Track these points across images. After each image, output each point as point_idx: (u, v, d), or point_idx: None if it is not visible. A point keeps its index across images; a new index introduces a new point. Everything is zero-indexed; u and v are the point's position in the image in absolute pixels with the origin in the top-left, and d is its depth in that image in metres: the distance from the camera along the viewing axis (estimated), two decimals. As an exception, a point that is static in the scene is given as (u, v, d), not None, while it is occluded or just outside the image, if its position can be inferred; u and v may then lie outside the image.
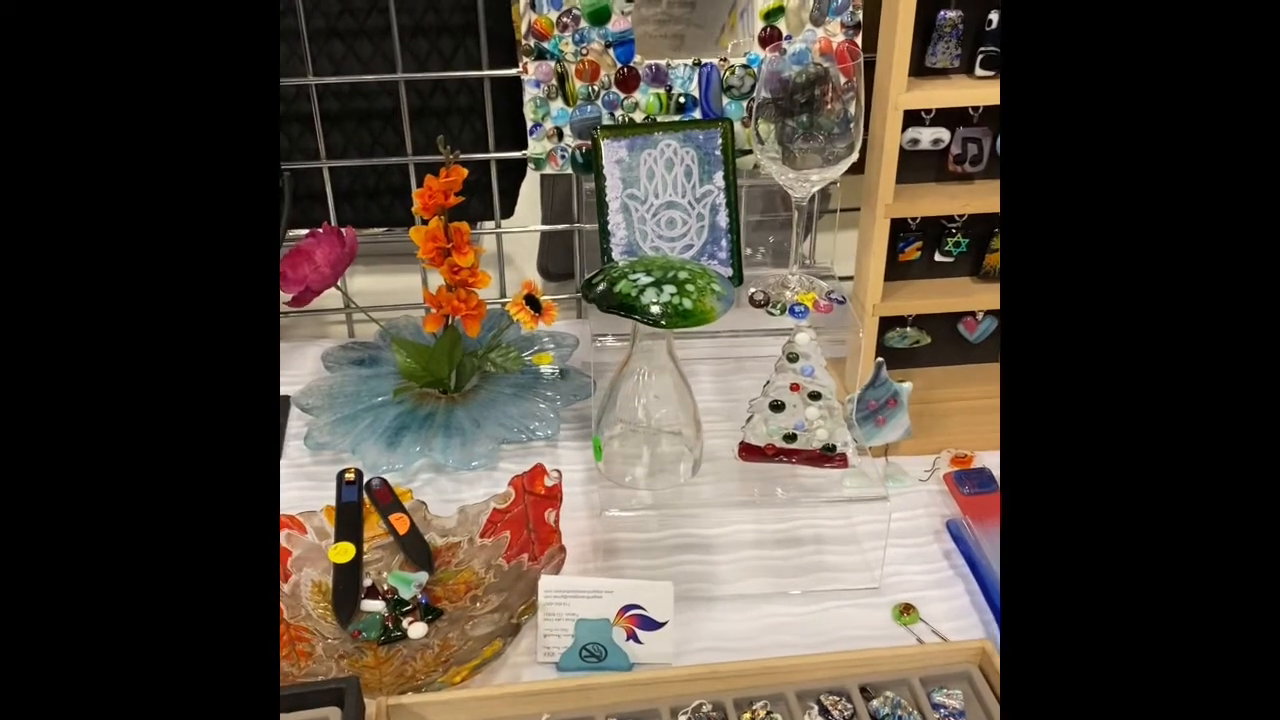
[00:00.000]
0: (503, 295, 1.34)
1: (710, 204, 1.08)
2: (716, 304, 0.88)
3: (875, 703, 0.81)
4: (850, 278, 1.16)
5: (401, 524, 0.98)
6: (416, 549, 0.97)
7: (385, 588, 0.95)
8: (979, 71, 1.02)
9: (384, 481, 1.02)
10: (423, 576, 0.95)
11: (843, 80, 0.91)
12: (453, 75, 1.22)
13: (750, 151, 1.10)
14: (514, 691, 0.82)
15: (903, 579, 0.97)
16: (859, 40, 1.10)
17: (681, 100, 1.11)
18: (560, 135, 1.13)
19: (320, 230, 1.15)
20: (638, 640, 0.88)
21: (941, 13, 1.00)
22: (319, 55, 1.20)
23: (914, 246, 1.11)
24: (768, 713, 0.80)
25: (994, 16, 1.01)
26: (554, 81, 1.10)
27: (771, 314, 0.97)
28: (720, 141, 1.07)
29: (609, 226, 1.08)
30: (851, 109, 0.92)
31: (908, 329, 1.15)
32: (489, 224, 1.31)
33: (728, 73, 1.11)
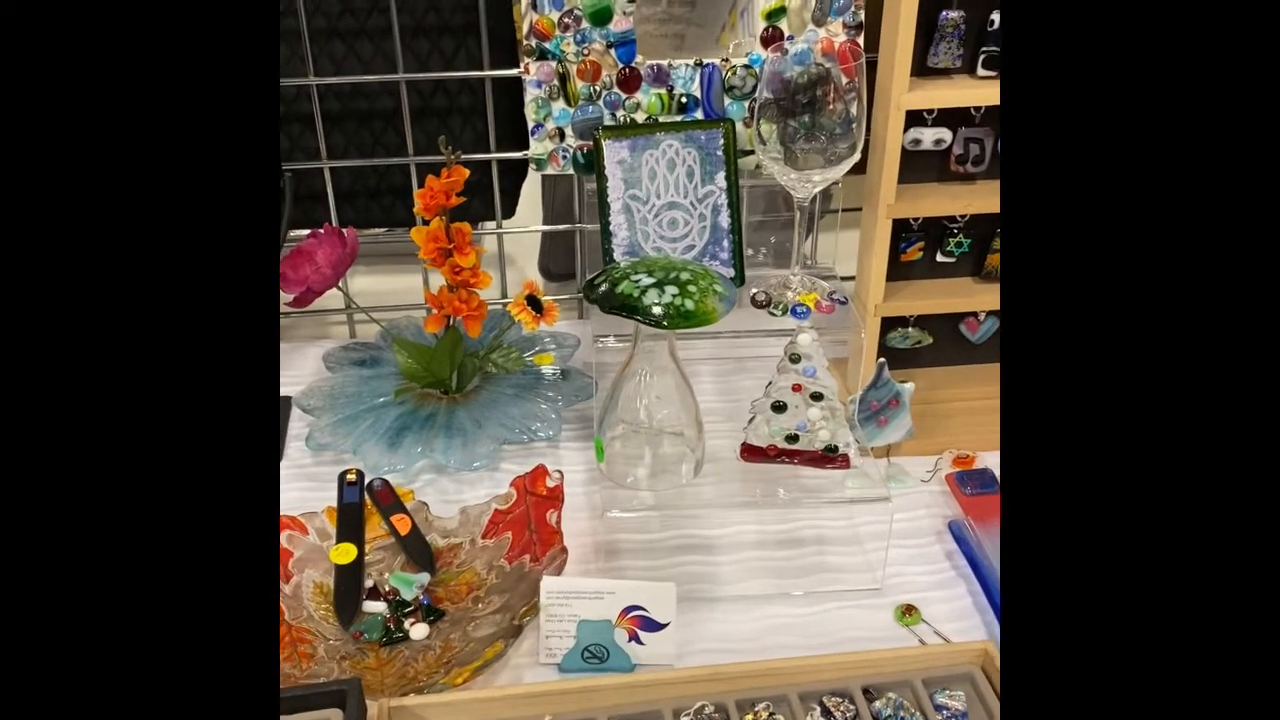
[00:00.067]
0: (504, 296, 1.34)
1: (712, 204, 1.08)
2: (718, 305, 0.88)
3: (878, 704, 0.81)
4: (852, 278, 1.16)
5: (403, 525, 0.98)
6: (418, 550, 0.97)
7: (387, 589, 0.95)
8: (981, 72, 1.02)
9: (385, 482, 1.02)
10: (424, 577, 0.95)
11: (845, 80, 0.91)
12: (454, 75, 1.22)
13: (752, 152, 1.10)
14: (516, 693, 0.82)
15: (905, 580, 0.97)
16: (861, 40, 1.09)
17: (683, 100, 1.11)
18: (562, 136, 1.13)
19: (321, 231, 1.15)
20: (640, 641, 0.88)
21: (943, 13, 0.99)
22: (320, 55, 1.20)
23: (916, 247, 1.11)
24: (770, 714, 0.80)
25: (996, 17, 1.00)
26: (555, 82, 1.10)
27: (773, 314, 0.97)
28: (722, 142, 1.07)
29: (611, 227, 1.08)
30: (853, 109, 0.92)
31: (910, 329, 1.15)
32: (490, 224, 1.31)
33: (729, 73, 1.10)
